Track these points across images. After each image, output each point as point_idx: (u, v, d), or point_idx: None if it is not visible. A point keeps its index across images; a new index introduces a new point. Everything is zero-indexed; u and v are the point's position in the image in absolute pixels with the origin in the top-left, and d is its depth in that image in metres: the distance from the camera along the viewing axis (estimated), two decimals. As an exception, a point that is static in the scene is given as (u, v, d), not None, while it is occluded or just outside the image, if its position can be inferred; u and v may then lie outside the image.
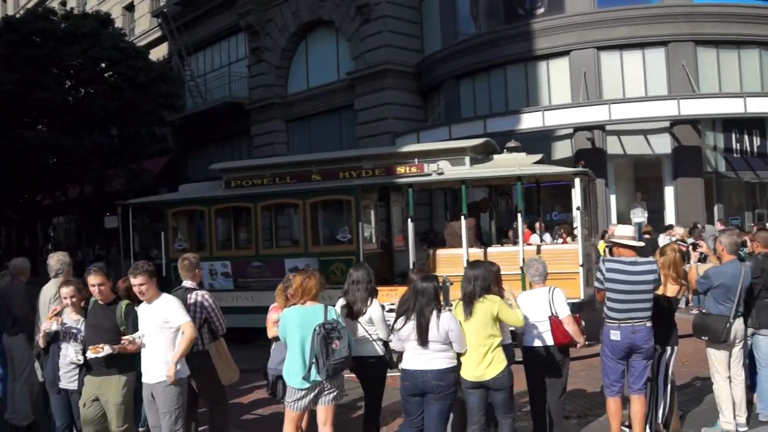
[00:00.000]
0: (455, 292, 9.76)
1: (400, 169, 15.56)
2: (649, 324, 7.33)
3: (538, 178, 16.31)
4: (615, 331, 7.31)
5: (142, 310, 7.15)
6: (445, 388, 6.70)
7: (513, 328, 7.56)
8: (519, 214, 14.65)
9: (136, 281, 6.94)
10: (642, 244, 8.21)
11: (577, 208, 14.17)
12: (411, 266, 14.32)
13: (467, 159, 15.24)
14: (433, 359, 6.71)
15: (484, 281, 6.92)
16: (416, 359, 6.78)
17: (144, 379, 7.09)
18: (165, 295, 7.15)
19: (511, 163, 15.32)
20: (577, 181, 14.16)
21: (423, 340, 6.67)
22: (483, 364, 6.75)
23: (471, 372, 6.82)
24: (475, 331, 6.81)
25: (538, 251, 14.61)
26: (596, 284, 7.70)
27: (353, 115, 29.47)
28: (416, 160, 15.48)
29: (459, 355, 6.92)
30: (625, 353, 7.35)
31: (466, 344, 6.85)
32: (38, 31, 29.64)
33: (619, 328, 7.28)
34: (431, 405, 6.75)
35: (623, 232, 7.68)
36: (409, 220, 15.23)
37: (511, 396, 6.97)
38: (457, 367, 6.86)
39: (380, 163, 15.95)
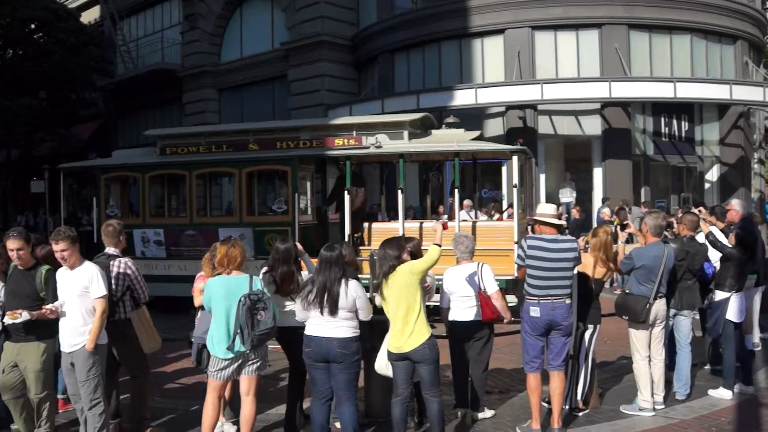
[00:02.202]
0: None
1: (338, 141, 15.57)
2: (568, 301, 7.42)
3: (476, 154, 16.43)
4: (534, 308, 7.36)
5: (61, 276, 7.03)
6: (349, 357, 6.74)
7: (435, 278, 7.62)
8: (456, 190, 14.76)
9: (58, 247, 6.81)
10: (563, 222, 8.28)
11: (514, 186, 14.34)
12: (346, 239, 14.38)
13: (405, 133, 15.28)
14: (339, 327, 6.74)
15: (390, 255, 6.89)
16: (321, 327, 6.79)
17: (62, 348, 6.99)
18: (87, 263, 7.03)
19: (449, 139, 15.46)
20: (515, 158, 14.32)
21: (333, 309, 6.70)
22: (404, 335, 6.76)
23: (393, 344, 6.85)
24: (394, 304, 6.83)
25: (474, 228, 14.75)
26: (518, 261, 7.79)
27: (286, 85, 29.29)
28: (354, 132, 15.49)
29: (365, 323, 7.00)
30: (545, 330, 7.42)
31: (371, 313, 6.94)
32: (-37, -11, 28.70)
33: (539, 305, 7.33)
34: (337, 375, 6.78)
35: (545, 210, 7.73)
36: (346, 192, 15.16)
37: (436, 371, 6.96)
38: (360, 337, 6.91)
39: (318, 134, 15.92)
